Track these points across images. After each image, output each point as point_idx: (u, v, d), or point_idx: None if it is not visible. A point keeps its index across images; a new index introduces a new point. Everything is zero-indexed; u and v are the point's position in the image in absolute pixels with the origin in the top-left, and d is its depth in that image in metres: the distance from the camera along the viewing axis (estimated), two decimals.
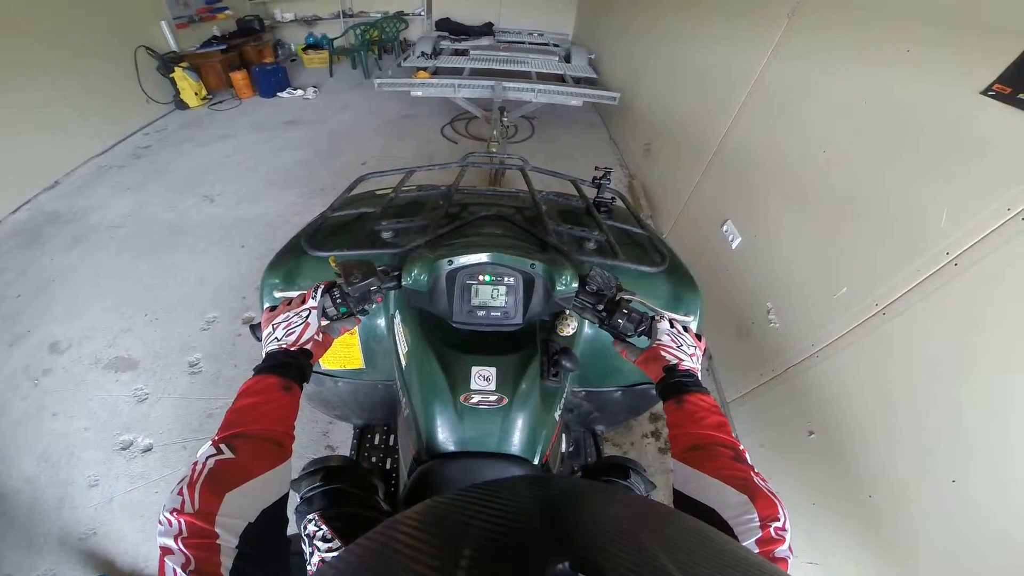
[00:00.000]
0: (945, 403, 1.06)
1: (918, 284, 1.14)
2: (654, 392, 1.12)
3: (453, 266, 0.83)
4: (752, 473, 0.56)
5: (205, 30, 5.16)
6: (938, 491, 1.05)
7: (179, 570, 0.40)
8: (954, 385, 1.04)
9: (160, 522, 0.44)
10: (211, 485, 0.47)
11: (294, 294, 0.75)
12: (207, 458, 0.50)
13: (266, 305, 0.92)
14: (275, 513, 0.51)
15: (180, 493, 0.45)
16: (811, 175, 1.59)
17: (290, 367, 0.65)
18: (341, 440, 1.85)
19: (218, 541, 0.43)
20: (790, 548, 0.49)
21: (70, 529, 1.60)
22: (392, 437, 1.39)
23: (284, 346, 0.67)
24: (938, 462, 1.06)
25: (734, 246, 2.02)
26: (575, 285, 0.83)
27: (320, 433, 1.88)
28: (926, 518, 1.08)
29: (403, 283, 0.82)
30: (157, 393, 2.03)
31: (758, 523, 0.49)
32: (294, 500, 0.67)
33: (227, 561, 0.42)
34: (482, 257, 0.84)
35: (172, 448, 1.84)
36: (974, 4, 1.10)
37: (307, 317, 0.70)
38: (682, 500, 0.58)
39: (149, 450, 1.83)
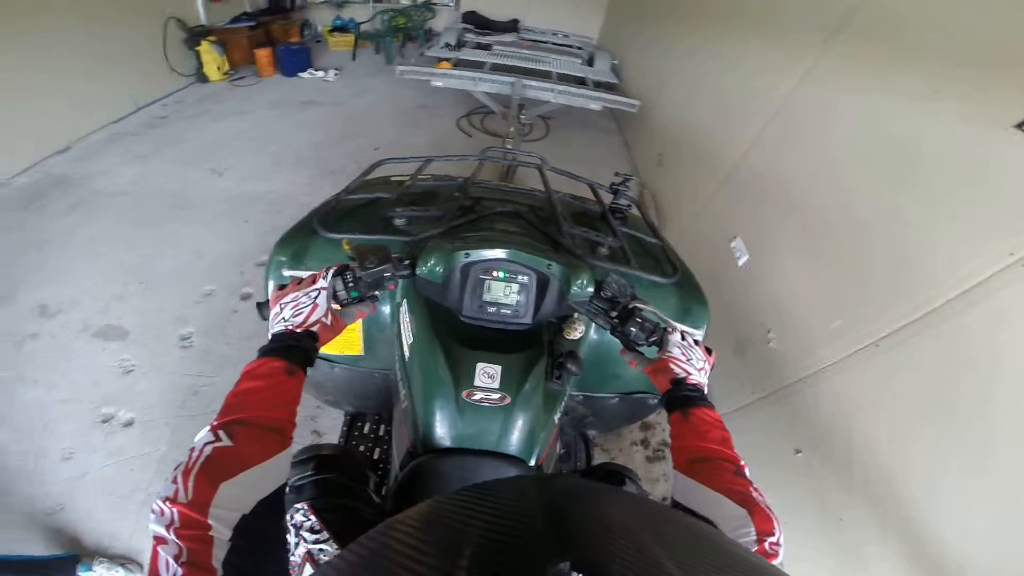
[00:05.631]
0: (922, 439, 1.10)
1: (913, 321, 1.17)
2: (652, 402, 1.12)
3: (469, 259, 0.82)
4: (751, 488, 0.57)
5: (236, 4, 5.12)
6: (905, 523, 1.08)
7: (171, 560, 0.39)
8: (935, 424, 1.08)
9: (153, 510, 0.43)
10: (206, 474, 0.45)
11: (303, 273, 0.73)
12: (204, 445, 0.48)
13: (273, 283, 0.90)
14: (271, 504, 0.49)
15: (175, 481, 0.44)
16: (828, 205, 1.58)
17: (295, 350, 0.63)
18: (329, 426, 1.83)
19: (211, 533, 0.42)
20: (781, 564, 0.50)
21: (38, 503, 1.53)
22: (382, 427, 1.37)
23: (291, 327, 0.65)
24: (906, 496, 1.10)
25: (740, 263, 2.00)
26: (591, 289, 0.81)
27: (308, 417, 1.84)
28: (893, 545, 1.11)
29: (417, 272, 0.81)
30: (144, 366, 1.97)
31: (755, 537, 0.51)
32: None
33: (220, 553, 0.41)
34: (500, 253, 0.82)
35: (154, 425, 1.78)
36: (1013, 46, 1.09)
37: (316, 298, 0.68)
38: (680, 511, 0.58)
39: (130, 425, 1.77)
